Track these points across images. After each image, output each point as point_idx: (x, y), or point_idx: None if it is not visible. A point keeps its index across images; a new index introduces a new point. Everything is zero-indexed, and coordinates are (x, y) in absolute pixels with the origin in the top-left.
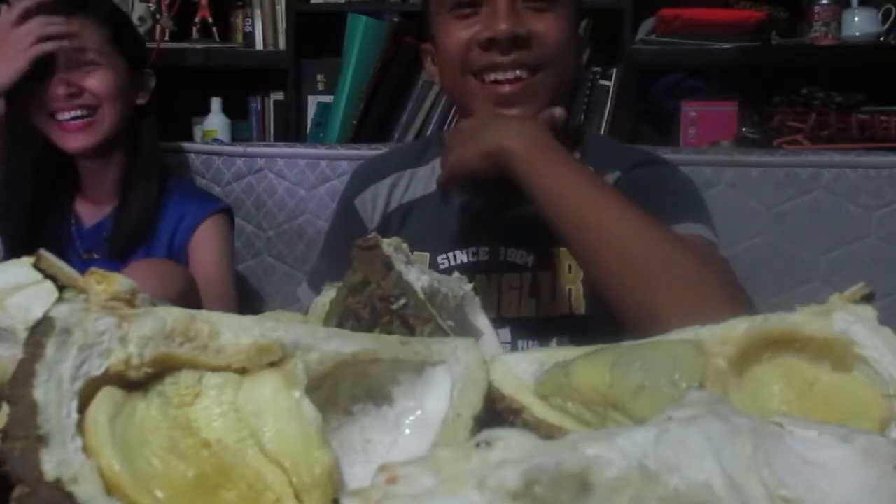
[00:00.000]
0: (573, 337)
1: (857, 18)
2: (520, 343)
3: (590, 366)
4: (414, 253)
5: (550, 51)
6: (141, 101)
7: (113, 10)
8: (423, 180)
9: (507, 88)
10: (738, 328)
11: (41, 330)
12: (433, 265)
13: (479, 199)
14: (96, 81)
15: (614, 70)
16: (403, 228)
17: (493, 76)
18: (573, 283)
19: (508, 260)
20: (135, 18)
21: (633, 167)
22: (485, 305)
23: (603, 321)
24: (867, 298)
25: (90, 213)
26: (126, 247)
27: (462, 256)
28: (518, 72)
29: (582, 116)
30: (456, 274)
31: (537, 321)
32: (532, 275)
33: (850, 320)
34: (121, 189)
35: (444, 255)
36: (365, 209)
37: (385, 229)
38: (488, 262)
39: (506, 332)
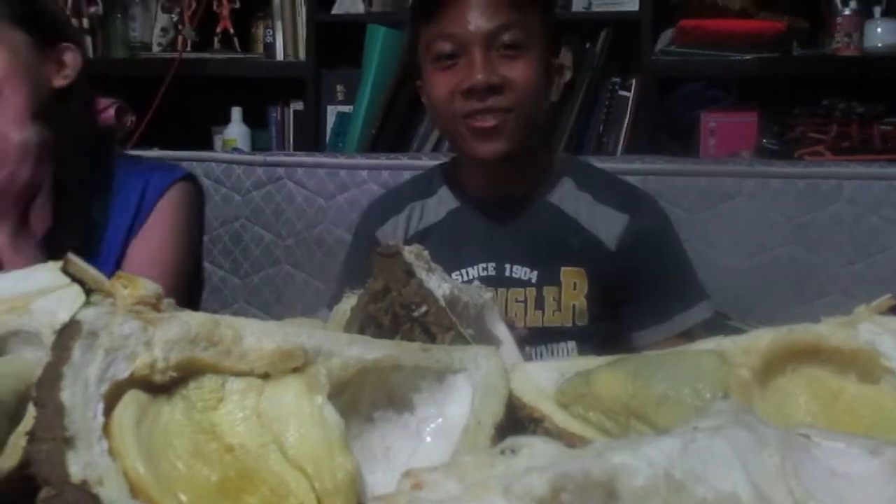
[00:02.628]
0: (578, 341)
1: (879, 29)
2: (527, 349)
3: (611, 375)
4: None
5: (521, 94)
6: (60, 82)
7: None
8: (433, 209)
9: (485, 125)
10: (762, 339)
11: (68, 333)
12: None
13: (485, 220)
14: None
15: (633, 80)
16: None
17: (474, 118)
18: (577, 299)
19: (513, 276)
20: (157, 29)
21: (639, 218)
22: None
23: (604, 329)
24: (894, 310)
25: (36, 228)
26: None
27: (472, 272)
28: (494, 115)
29: (601, 127)
30: (476, 282)
31: (543, 330)
32: (536, 290)
33: (876, 331)
34: (54, 191)
35: (456, 273)
36: (386, 239)
37: None
38: (494, 277)
39: None
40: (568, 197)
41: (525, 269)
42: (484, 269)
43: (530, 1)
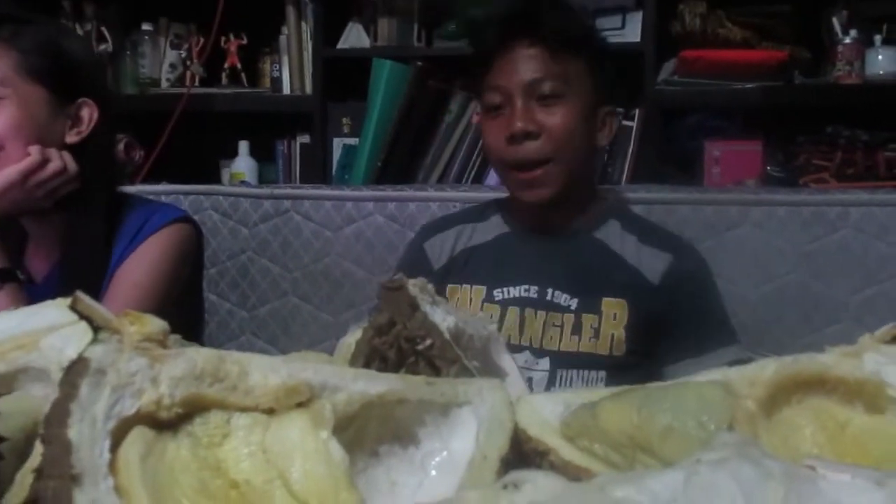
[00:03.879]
0: (610, 371)
1: (880, 57)
2: (559, 372)
3: (617, 407)
4: (473, 286)
5: (558, 141)
6: (73, 138)
7: (26, 31)
8: (482, 231)
9: (526, 177)
10: (767, 369)
11: (76, 370)
12: (489, 297)
13: (532, 246)
14: None
15: (637, 111)
16: (466, 267)
17: (518, 169)
18: (616, 329)
19: (554, 301)
20: (166, 65)
21: (682, 259)
22: (529, 336)
23: (638, 362)
24: None
25: (40, 266)
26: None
27: (515, 291)
28: (535, 165)
29: (605, 156)
30: (481, 313)
31: (577, 355)
32: (575, 316)
33: (881, 361)
34: (65, 238)
35: (499, 289)
36: (433, 252)
37: (450, 268)
38: (536, 299)
39: (545, 362)
40: (613, 235)
41: (566, 295)
42: (526, 290)
43: (575, 53)
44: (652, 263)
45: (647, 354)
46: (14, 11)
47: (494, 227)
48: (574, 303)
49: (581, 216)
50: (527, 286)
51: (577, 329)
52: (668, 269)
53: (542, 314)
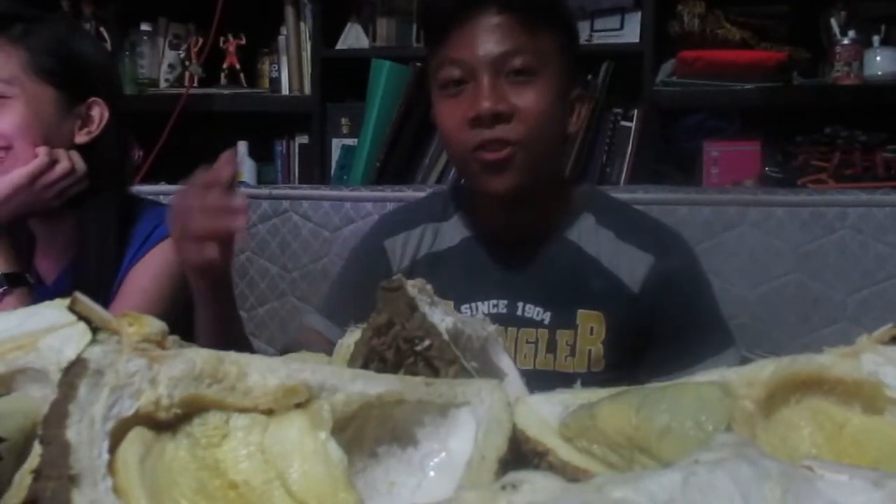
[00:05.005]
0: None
1: (878, 58)
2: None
3: (615, 407)
4: None
5: (531, 124)
6: (83, 138)
7: (36, 31)
8: (447, 233)
9: (494, 158)
10: (765, 370)
11: (75, 371)
12: None
13: (499, 255)
14: (1, 118)
15: (636, 111)
16: (431, 277)
17: (483, 151)
18: (594, 344)
19: (525, 315)
20: (165, 66)
21: (665, 259)
22: None
23: (621, 377)
24: None
25: (50, 268)
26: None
27: (483, 308)
28: (503, 147)
29: (604, 157)
30: (479, 315)
31: (554, 374)
32: (549, 332)
33: (879, 362)
34: (77, 239)
35: (466, 305)
36: (394, 252)
37: (412, 273)
38: (506, 315)
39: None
40: (588, 234)
41: (538, 309)
42: (495, 305)
43: (545, 24)
44: (631, 267)
45: (629, 367)
46: (23, 10)
47: (457, 230)
48: (547, 317)
49: (551, 213)
50: (495, 301)
51: (551, 346)
52: (649, 275)
53: (513, 331)
